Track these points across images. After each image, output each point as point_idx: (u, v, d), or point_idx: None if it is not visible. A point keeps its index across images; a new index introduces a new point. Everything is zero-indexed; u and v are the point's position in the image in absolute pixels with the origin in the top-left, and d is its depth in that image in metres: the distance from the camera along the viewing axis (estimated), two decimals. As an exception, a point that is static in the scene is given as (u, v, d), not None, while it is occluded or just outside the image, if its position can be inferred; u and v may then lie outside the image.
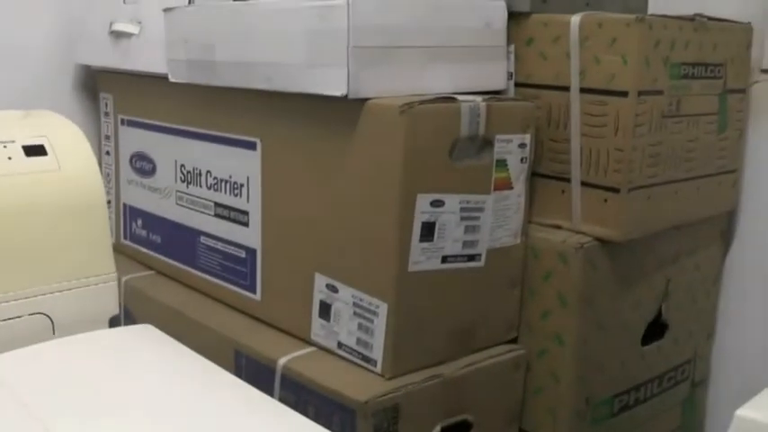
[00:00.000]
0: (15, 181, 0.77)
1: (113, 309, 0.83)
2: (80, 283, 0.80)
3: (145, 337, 0.74)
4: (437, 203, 1.00)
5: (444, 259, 1.03)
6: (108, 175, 1.51)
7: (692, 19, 1.14)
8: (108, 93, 1.49)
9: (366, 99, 0.98)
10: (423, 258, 1.00)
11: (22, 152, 0.78)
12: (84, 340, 0.71)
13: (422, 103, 0.97)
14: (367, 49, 0.97)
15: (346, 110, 1.00)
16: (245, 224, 1.19)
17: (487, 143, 1.04)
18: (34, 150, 0.78)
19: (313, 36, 1.00)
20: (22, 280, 0.76)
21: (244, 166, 1.18)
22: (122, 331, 0.75)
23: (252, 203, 1.18)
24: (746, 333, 1.42)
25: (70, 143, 0.81)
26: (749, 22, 1.28)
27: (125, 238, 1.48)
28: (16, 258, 0.76)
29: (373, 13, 0.99)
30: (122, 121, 1.45)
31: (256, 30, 1.08)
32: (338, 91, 0.97)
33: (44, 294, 0.78)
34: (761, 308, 1.40)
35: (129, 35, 1.37)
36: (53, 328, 0.78)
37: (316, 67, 1.00)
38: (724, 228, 1.37)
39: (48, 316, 0.77)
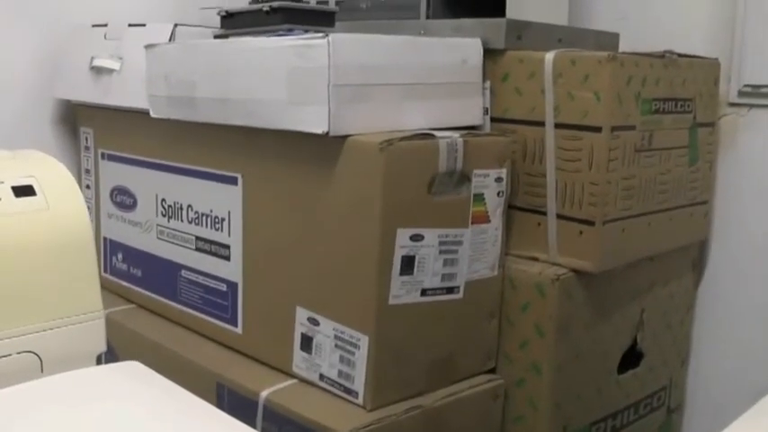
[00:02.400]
0: (5, 221, 0.78)
1: (101, 346, 0.83)
2: (68, 321, 0.80)
3: (132, 374, 0.75)
4: (416, 238, 1.02)
5: (424, 292, 1.05)
6: (88, 208, 1.51)
7: (662, 56, 1.17)
8: (88, 127, 1.50)
9: (346, 136, 1.00)
10: (403, 292, 1.02)
11: (11, 193, 0.79)
12: (71, 378, 0.72)
13: (401, 139, 0.99)
14: (347, 87, 1.00)
15: (327, 146, 1.02)
16: (227, 258, 1.21)
17: (465, 178, 1.06)
18: (23, 191, 0.79)
19: (294, 74, 1.02)
20: (11, 319, 0.77)
21: (225, 200, 1.19)
22: (110, 369, 0.75)
23: (233, 238, 1.19)
24: (720, 359, 1.45)
25: (58, 183, 0.82)
26: (716, 58, 1.32)
27: (105, 271, 1.48)
28: (6, 298, 0.77)
29: (353, 52, 1.01)
30: (103, 156, 1.46)
31: (237, 67, 1.10)
32: (319, 128, 0.99)
33: (33, 333, 0.78)
34: (733, 335, 1.43)
35: (110, 71, 1.38)
36: (41, 366, 0.79)
37: (296, 105, 1.02)
38: (696, 257, 1.40)
39: (36, 354, 0.78)
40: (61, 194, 0.82)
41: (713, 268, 1.44)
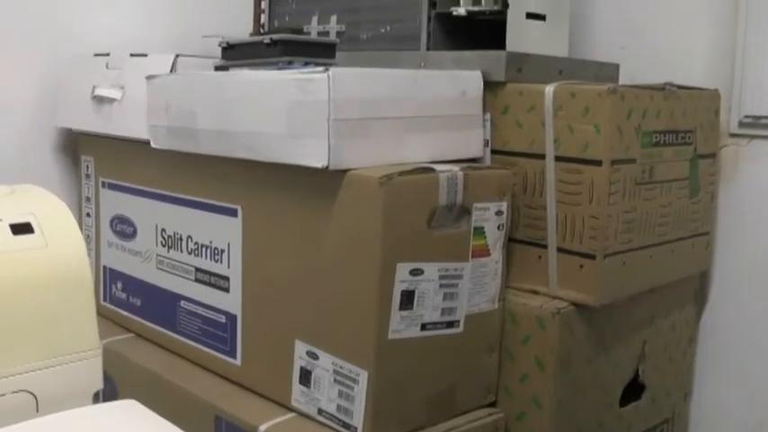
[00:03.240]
0: (2, 259, 0.77)
1: (97, 384, 0.83)
2: (65, 360, 0.80)
3: (128, 413, 0.75)
4: (416, 272, 1.01)
5: (423, 326, 1.04)
6: (88, 237, 1.52)
7: (662, 88, 1.17)
8: (89, 155, 1.50)
9: (346, 170, 1.00)
10: (402, 326, 1.02)
11: (9, 231, 0.79)
12: (67, 418, 0.71)
13: (400, 174, 0.99)
14: (347, 121, 1.00)
15: (326, 180, 1.01)
16: (226, 290, 1.20)
17: (465, 211, 1.06)
18: (21, 228, 0.79)
19: (294, 108, 1.02)
20: (7, 358, 0.77)
21: (225, 232, 1.19)
22: (106, 408, 0.75)
23: (232, 269, 1.19)
24: (724, 391, 1.44)
25: (57, 220, 0.82)
26: (716, 89, 1.32)
27: (105, 300, 1.48)
28: (2, 336, 0.77)
29: (353, 86, 1.01)
30: (103, 184, 1.46)
31: (238, 99, 1.10)
32: (319, 162, 0.99)
33: (29, 372, 0.78)
34: (737, 366, 1.42)
35: (111, 100, 1.38)
36: (37, 405, 0.78)
37: (296, 139, 1.02)
38: (697, 287, 1.39)
39: (32, 393, 0.78)
40: (60, 232, 0.82)
41: (716, 299, 1.43)
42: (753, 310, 1.40)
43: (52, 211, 0.83)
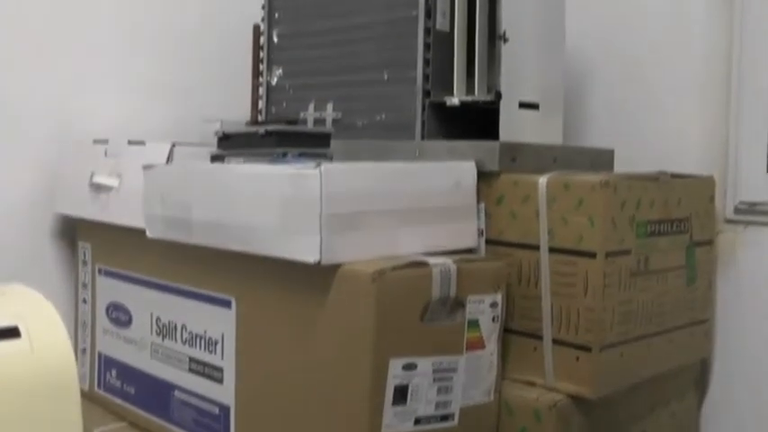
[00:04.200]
0: (-13, 364, 0.77)
1: (81, 494, 0.82)
2: (49, 467, 0.79)
3: None
4: (409, 367, 1.00)
5: (417, 421, 1.02)
6: (84, 323, 1.51)
7: (656, 178, 1.17)
8: (86, 242, 1.50)
9: (338, 265, 1.00)
10: (395, 422, 1.00)
11: (-5, 335, 0.79)
12: None
13: (393, 269, 0.98)
14: (339, 216, 1.00)
15: (319, 275, 1.01)
16: (220, 381, 1.19)
17: (459, 304, 1.05)
18: (8, 333, 0.78)
19: (286, 203, 1.02)
20: (-13, 469, 0.76)
21: (219, 323, 1.18)
22: None
23: (226, 360, 1.18)
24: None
25: (44, 324, 0.82)
26: (711, 175, 1.33)
27: (99, 387, 1.47)
28: (-17, 445, 0.76)
29: (345, 181, 1.01)
30: (100, 271, 1.46)
31: (232, 192, 1.11)
32: (311, 258, 0.98)
33: (11, 481, 0.77)
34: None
35: (109, 188, 1.39)
36: None
37: (289, 233, 1.02)
38: (698, 375, 1.38)
39: (12, 506, 0.76)
40: (47, 337, 0.81)
41: (717, 386, 1.42)
42: (755, 397, 1.38)
43: (40, 316, 0.82)
